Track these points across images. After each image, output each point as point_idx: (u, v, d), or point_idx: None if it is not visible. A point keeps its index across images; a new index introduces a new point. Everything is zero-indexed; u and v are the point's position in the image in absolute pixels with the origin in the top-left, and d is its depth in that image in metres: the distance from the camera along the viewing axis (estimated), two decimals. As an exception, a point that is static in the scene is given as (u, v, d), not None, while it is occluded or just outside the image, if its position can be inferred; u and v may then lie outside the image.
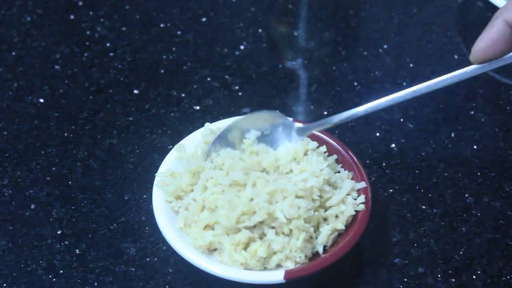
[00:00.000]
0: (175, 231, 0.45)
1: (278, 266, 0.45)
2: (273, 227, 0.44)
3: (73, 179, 0.55)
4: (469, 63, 0.45)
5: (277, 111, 0.50)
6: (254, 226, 0.44)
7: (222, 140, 0.49)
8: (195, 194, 0.46)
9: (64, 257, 0.49)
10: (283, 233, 0.44)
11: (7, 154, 0.57)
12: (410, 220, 0.52)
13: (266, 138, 0.50)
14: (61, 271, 0.49)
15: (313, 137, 0.51)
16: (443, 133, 0.60)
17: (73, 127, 0.60)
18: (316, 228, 0.45)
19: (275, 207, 0.44)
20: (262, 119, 0.50)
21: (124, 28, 0.72)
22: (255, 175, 0.45)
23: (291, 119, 0.51)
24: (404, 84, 0.65)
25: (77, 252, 0.50)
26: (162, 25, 0.72)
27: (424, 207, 0.54)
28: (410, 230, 0.52)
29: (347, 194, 0.47)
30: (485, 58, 0.43)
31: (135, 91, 0.64)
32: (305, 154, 0.49)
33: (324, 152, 0.50)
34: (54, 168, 0.56)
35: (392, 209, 0.53)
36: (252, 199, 0.44)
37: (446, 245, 0.51)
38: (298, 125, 0.50)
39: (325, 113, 0.62)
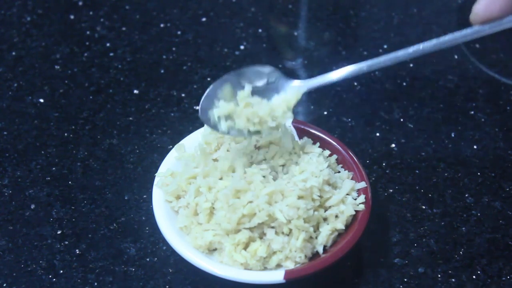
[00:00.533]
0: (175, 231, 0.45)
1: (278, 266, 0.45)
2: (273, 227, 0.44)
3: (73, 179, 0.55)
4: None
5: (271, 66, 0.48)
6: (254, 226, 0.44)
7: (212, 96, 0.47)
8: (189, 198, 0.46)
9: (64, 257, 0.49)
10: (282, 232, 0.44)
11: (7, 154, 0.57)
12: (410, 220, 0.52)
13: (259, 92, 0.48)
14: (61, 271, 0.49)
15: (314, 137, 0.51)
16: (443, 133, 0.60)
17: (73, 127, 0.60)
18: (316, 228, 0.45)
19: (275, 208, 0.44)
20: (254, 73, 0.48)
21: (124, 28, 0.72)
22: (255, 176, 0.45)
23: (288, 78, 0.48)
24: (404, 84, 0.65)
25: (77, 252, 0.50)
26: (162, 25, 0.72)
27: (424, 207, 0.54)
28: (410, 230, 0.52)
29: (347, 194, 0.47)
30: (484, 18, 0.44)
31: (135, 91, 0.64)
32: (305, 153, 0.49)
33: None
34: (54, 168, 0.56)
35: (392, 209, 0.53)
36: (251, 201, 0.44)
37: (446, 245, 0.51)
38: (294, 82, 0.48)
39: (325, 113, 0.62)
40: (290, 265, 0.44)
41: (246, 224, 0.44)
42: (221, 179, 0.47)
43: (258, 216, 0.43)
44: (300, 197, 0.44)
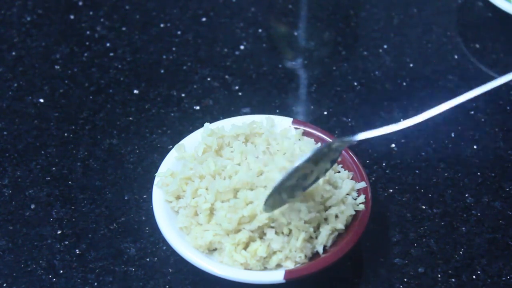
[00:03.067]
0: (175, 231, 0.45)
1: (278, 266, 0.45)
2: (273, 227, 0.44)
3: (73, 179, 0.55)
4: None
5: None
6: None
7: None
8: (187, 200, 0.46)
9: (64, 257, 0.49)
10: (282, 232, 0.44)
11: (7, 154, 0.57)
12: (410, 220, 0.52)
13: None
14: (61, 271, 0.49)
15: (314, 137, 0.51)
16: (443, 133, 0.60)
17: (73, 127, 0.60)
18: (316, 228, 0.45)
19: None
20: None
21: (124, 28, 0.72)
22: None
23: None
24: (404, 84, 0.65)
25: (77, 252, 0.50)
26: (162, 25, 0.72)
27: (424, 207, 0.54)
28: (410, 230, 0.52)
29: (347, 194, 0.47)
30: None
31: (135, 91, 0.64)
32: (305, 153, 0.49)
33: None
34: (54, 168, 0.56)
35: (392, 209, 0.53)
36: (251, 202, 0.44)
37: (446, 245, 0.51)
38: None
39: (325, 113, 0.62)
40: (290, 265, 0.44)
41: (246, 226, 0.44)
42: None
43: (259, 219, 0.43)
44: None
